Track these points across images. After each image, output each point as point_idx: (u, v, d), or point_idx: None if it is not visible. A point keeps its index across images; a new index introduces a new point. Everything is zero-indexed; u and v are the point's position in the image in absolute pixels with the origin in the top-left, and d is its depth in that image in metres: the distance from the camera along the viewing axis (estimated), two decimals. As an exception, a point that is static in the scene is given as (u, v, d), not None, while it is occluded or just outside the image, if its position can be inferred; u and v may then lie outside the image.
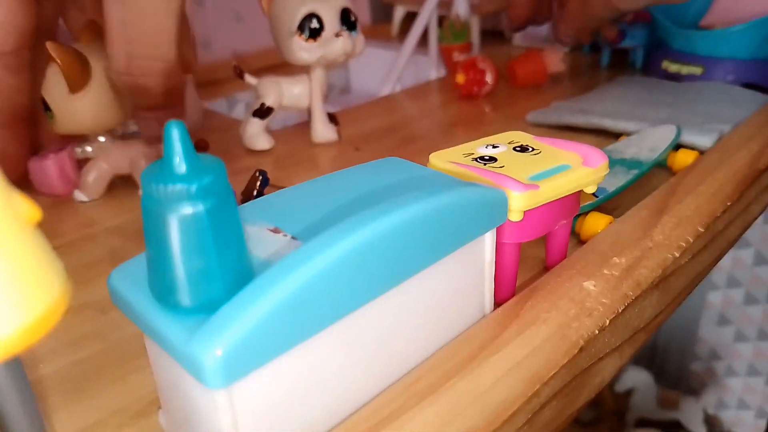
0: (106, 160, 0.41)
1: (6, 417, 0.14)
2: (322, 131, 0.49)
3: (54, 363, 0.26)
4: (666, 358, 1.03)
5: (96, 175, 0.41)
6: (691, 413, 0.92)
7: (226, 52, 0.75)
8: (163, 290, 0.17)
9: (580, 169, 0.26)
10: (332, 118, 0.50)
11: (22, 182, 0.41)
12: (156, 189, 0.16)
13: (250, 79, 0.48)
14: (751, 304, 0.92)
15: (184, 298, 0.17)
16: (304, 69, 0.47)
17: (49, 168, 0.40)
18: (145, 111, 0.36)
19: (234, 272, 0.17)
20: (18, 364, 0.14)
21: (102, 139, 0.41)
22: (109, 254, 0.35)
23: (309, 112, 0.49)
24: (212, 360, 0.16)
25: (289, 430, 0.19)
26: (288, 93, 0.48)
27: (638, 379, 0.96)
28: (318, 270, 0.18)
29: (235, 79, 0.50)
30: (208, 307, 0.17)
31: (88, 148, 0.41)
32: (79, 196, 0.41)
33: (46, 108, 0.38)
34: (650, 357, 1.05)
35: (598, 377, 0.25)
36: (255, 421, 0.18)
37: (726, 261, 0.91)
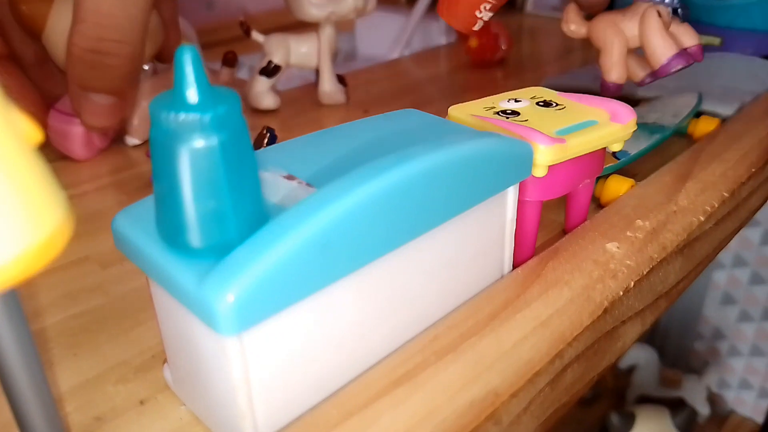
0: (147, 99, 0.40)
1: (1, 353, 0.13)
2: (330, 92, 0.47)
3: (52, 316, 0.25)
4: (669, 336, 1.03)
5: (141, 116, 0.40)
6: (695, 392, 0.91)
7: (230, 12, 0.73)
8: (172, 231, 0.16)
9: (609, 124, 0.25)
10: (341, 79, 0.48)
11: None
12: (166, 118, 0.14)
13: (257, 36, 0.46)
14: (756, 284, 0.91)
15: (195, 239, 0.16)
16: (313, 27, 0.46)
17: (75, 135, 0.38)
18: (95, 92, 0.35)
19: (248, 213, 0.16)
20: (15, 298, 0.13)
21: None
22: (115, 207, 0.34)
23: (317, 72, 0.48)
24: (224, 305, 0.15)
25: (303, 384, 0.18)
26: (296, 51, 0.46)
27: (641, 355, 0.96)
28: (335, 215, 0.17)
29: (239, 41, 0.49)
30: (219, 250, 0.16)
31: None
32: (131, 140, 0.41)
33: None
34: (652, 335, 1.05)
35: (620, 341, 0.24)
36: (266, 373, 0.17)
37: (733, 240, 0.91)
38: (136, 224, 0.18)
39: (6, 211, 0.11)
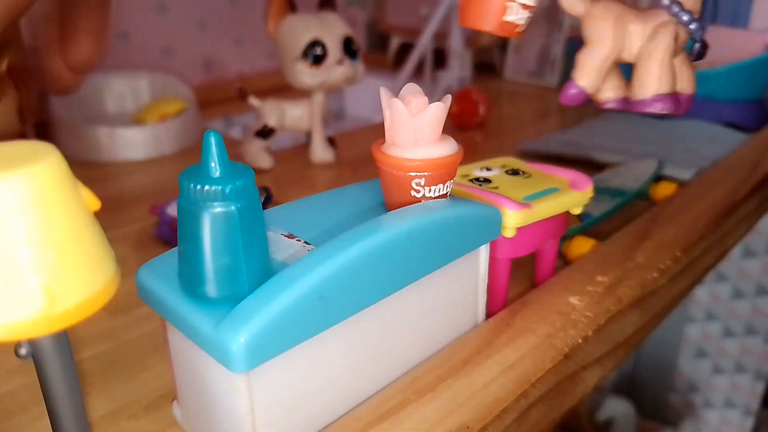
0: None
1: (50, 384, 0.16)
2: (321, 153, 0.51)
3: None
4: (645, 388, 1.05)
5: None
6: (669, 443, 0.93)
7: (226, 74, 0.77)
8: (192, 283, 0.19)
9: (569, 191, 0.28)
10: (331, 140, 0.52)
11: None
12: (193, 189, 0.18)
13: (254, 101, 0.50)
14: (728, 337, 0.94)
15: (212, 290, 0.19)
16: (306, 93, 0.50)
17: None
18: None
19: (257, 269, 0.19)
20: (65, 337, 0.16)
21: None
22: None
23: (308, 134, 0.51)
24: (237, 345, 0.18)
25: (299, 418, 0.21)
26: (290, 115, 0.50)
27: (618, 408, 0.98)
28: (330, 271, 0.20)
29: (233, 101, 0.52)
30: (232, 300, 0.19)
31: None
32: None
33: None
34: (629, 387, 1.07)
35: (581, 385, 0.27)
36: (269, 406, 0.20)
37: (704, 295, 0.94)
38: (156, 277, 0.21)
39: (73, 266, 0.14)
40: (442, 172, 0.24)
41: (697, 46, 0.29)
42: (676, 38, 0.28)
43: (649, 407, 1.05)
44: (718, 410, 0.99)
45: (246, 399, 0.19)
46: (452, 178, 0.25)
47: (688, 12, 0.28)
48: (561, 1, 0.29)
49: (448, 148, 0.24)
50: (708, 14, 0.77)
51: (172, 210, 0.38)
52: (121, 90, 0.62)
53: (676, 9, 0.28)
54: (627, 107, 0.30)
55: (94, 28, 0.37)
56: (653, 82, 0.28)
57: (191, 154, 0.55)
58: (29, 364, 0.16)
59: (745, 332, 0.93)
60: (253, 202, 0.18)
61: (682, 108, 0.29)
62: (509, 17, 0.25)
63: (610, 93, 0.30)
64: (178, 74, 0.63)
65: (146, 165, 0.52)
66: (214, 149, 0.18)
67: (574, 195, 0.28)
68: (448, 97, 0.24)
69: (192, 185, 0.18)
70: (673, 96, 0.29)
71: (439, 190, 0.24)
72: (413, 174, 0.23)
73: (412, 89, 0.24)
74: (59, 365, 0.16)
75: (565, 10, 0.29)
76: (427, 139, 0.23)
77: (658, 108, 0.29)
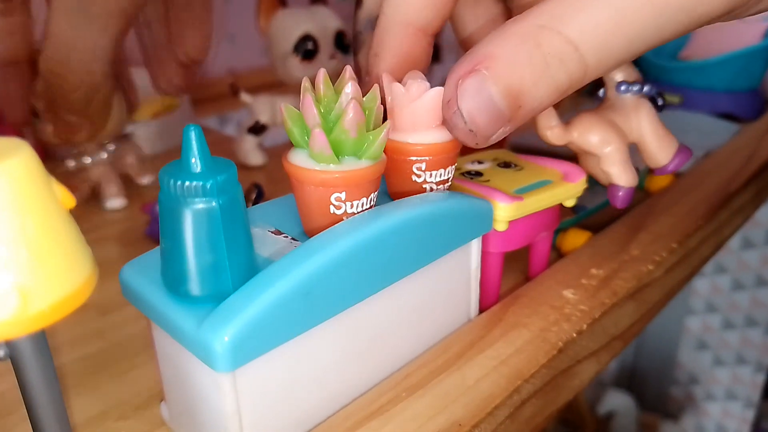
0: (115, 165, 0.43)
1: (29, 386, 0.16)
2: (315, 149, 0.50)
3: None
4: (646, 382, 1.05)
5: (115, 181, 0.43)
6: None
7: (218, 71, 0.77)
8: (174, 281, 0.19)
9: (561, 183, 0.28)
10: (324, 136, 0.51)
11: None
12: (174, 185, 0.17)
13: (245, 97, 0.50)
14: (728, 329, 0.94)
15: (195, 288, 0.18)
16: (298, 88, 0.49)
17: None
18: (65, 111, 0.36)
19: (241, 266, 0.19)
20: (44, 337, 0.15)
21: (111, 146, 0.43)
22: (110, 258, 0.36)
23: (302, 130, 0.51)
24: (220, 344, 0.17)
25: (287, 417, 0.20)
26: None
27: (619, 402, 0.98)
28: (317, 267, 0.19)
29: (227, 98, 0.52)
30: (216, 298, 0.18)
31: (87, 160, 0.42)
32: (113, 203, 0.42)
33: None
34: (630, 381, 1.07)
35: (576, 379, 0.27)
36: (256, 406, 0.19)
37: (704, 287, 0.94)
38: (140, 275, 0.20)
39: (48, 264, 0.14)
40: (443, 156, 0.24)
41: (660, 100, 0.32)
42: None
43: (651, 400, 1.05)
44: (720, 402, 0.98)
45: (232, 399, 0.18)
46: (454, 164, 0.24)
47: (635, 82, 0.31)
48: (545, 137, 0.30)
49: (449, 132, 0.23)
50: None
51: (162, 208, 0.37)
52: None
53: (628, 87, 0.31)
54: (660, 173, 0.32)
55: (200, 21, 0.40)
56: (662, 153, 0.31)
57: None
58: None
59: (746, 324, 0.93)
60: (235, 197, 0.18)
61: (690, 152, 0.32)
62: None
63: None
64: (170, 72, 0.63)
65: (138, 163, 0.52)
66: (194, 144, 0.17)
67: (567, 187, 0.28)
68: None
69: (172, 181, 0.17)
70: (681, 147, 0.32)
71: (440, 175, 0.24)
72: (414, 159, 0.23)
73: (413, 75, 0.24)
74: (37, 366, 0.16)
75: (553, 143, 0.30)
76: (427, 124, 0.23)
77: (681, 166, 0.32)
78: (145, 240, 0.38)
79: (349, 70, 0.22)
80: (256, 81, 0.67)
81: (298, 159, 0.21)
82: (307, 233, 0.22)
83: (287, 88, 0.49)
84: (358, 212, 0.21)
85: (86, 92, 0.36)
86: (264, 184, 0.41)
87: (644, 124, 0.31)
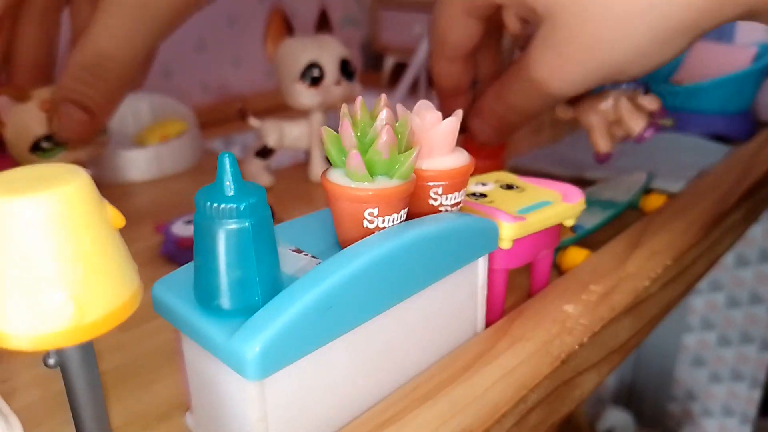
0: None
1: (76, 393, 0.17)
2: (320, 171, 0.52)
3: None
4: (644, 398, 1.06)
5: None
6: (669, 452, 0.94)
7: (225, 94, 0.78)
8: (207, 295, 0.20)
9: (561, 204, 0.29)
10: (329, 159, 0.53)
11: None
12: (209, 207, 0.19)
13: (253, 121, 0.51)
14: (724, 346, 0.95)
15: (226, 302, 0.20)
16: (304, 113, 0.51)
17: None
18: (75, 106, 0.37)
19: (269, 281, 0.20)
20: (91, 348, 0.17)
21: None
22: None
23: (307, 152, 0.53)
24: (251, 354, 0.19)
25: (307, 425, 0.22)
26: (289, 134, 0.51)
27: (618, 419, 0.99)
28: (336, 284, 0.21)
29: (232, 121, 0.53)
30: (246, 311, 0.20)
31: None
32: None
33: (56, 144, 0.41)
34: (628, 397, 1.08)
35: (578, 390, 0.28)
36: (281, 414, 0.21)
37: (700, 304, 0.95)
38: (171, 291, 0.22)
39: (100, 280, 0.15)
40: (457, 180, 0.25)
41: (642, 89, 0.41)
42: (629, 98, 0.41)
43: (649, 416, 1.06)
44: (717, 418, 0.99)
45: (259, 406, 0.20)
46: (465, 187, 0.26)
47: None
48: (557, 110, 0.42)
49: (462, 158, 0.26)
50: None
51: (177, 228, 0.39)
52: (122, 112, 0.63)
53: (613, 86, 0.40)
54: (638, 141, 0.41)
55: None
56: (634, 125, 0.40)
57: (193, 174, 0.56)
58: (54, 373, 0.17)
59: (741, 340, 0.94)
60: (265, 218, 0.19)
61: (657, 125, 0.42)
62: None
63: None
64: (178, 95, 0.65)
65: (148, 185, 0.53)
66: (228, 169, 0.19)
67: (566, 207, 0.29)
68: (460, 112, 0.25)
69: (208, 203, 0.19)
70: (650, 121, 0.41)
71: (455, 198, 0.26)
72: (431, 183, 0.25)
73: (424, 105, 0.26)
74: (85, 374, 0.17)
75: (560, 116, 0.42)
76: (442, 151, 0.25)
77: (650, 133, 0.41)
78: (160, 260, 0.39)
79: (384, 98, 0.24)
80: (264, 104, 0.69)
81: (335, 177, 0.23)
82: (341, 244, 0.24)
83: (293, 111, 0.50)
84: (388, 226, 0.23)
85: (114, 91, 0.37)
86: (272, 204, 0.43)
87: (620, 107, 0.40)
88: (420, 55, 0.72)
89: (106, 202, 0.16)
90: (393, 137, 0.22)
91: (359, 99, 0.24)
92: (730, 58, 0.68)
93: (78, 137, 0.40)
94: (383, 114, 0.23)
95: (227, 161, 0.19)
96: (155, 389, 0.27)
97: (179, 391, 0.27)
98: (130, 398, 0.27)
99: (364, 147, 0.23)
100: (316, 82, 0.48)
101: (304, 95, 0.48)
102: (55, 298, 0.15)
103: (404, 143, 0.23)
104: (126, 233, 0.43)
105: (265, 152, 0.51)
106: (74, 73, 0.36)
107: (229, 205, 0.19)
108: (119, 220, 0.16)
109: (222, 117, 0.72)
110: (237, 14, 0.77)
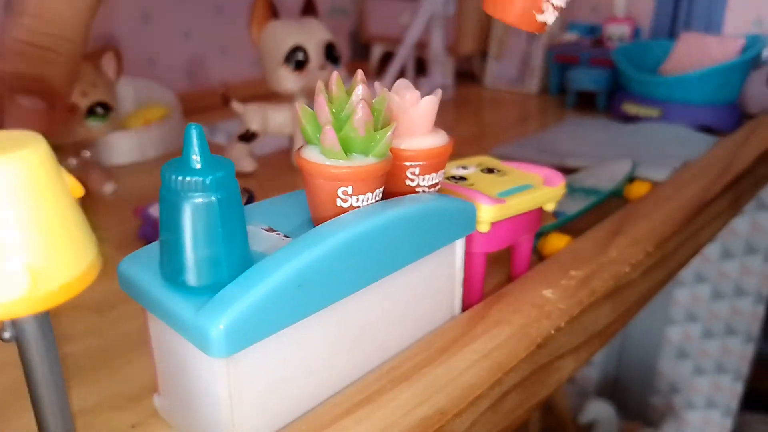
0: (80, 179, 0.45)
1: (33, 367, 0.17)
2: (304, 156, 0.51)
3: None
4: (627, 390, 1.06)
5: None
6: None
7: (210, 81, 0.78)
8: (173, 272, 0.19)
9: (542, 188, 0.29)
10: (313, 144, 0.53)
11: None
12: (174, 180, 0.18)
13: (236, 106, 0.51)
14: (708, 338, 0.96)
15: (192, 278, 0.19)
16: (288, 98, 0.50)
17: None
18: (27, 95, 0.33)
19: (237, 258, 0.20)
20: (48, 320, 0.16)
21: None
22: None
23: (291, 138, 0.52)
24: (216, 331, 0.18)
25: (278, 404, 0.21)
26: (273, 120, 0.50)
27: (601, 411, 0.99)
28: (308, 261, 0.20)
29: (216, 108, 0.52)
30: (213, 288, 0.19)
31: (73, 161, 0.44)
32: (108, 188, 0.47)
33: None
34: (612, 390, 1.08)
35: (556, 374, 0.28)
36: (249, 392, 0.20)
37: (684, 296, 0.95)
38: (138, 268, 0.21)
39: (57, 248, 0.15)
40: (435, 161, 0.25)
41: None
42: None
43: (632, 409, 1.06)
44: (700, 411, 1.00)
45: (225, 384, 0.19)
46: (443, 168, 0.26)
47: None
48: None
49: (440, 139, 0.25)
50: (682, 20, 0.79)
51: (154, 211, 0.38)
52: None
53: None
54: None
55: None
56: None
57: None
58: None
59: (725, 333, 0.95)
60: (232, 193, 0.19)
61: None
62: (541, 17, 0.25)
63: None
64: (162, 82, 0.64)
65: (130, 169, 0.53)
66: (195, 142, 0.18)
67: (546, 191, 0.29)
68: (439, 91, 0.25)
69: (174, 176, 0.18)
70: None
71: (432, 179, 0.25)
72: (408, 164, 0.25)
73: (403, 84, 0.25)
74: (42, 347, 0.16)
75: None
76: (421, 131, 0.24)
77: None
78: (138, 242, 0.39)
79: (360, 74, 0.23)
80: (247, 92, 0.68)
81: (309, 154, 0.23)
82: (314, 222, 0.24)
83: (277, 98, 0.50)
84: (363, 206, 0.23)
85: (65, 66, 0.33)
86: (255, 190, 0.42)
87: None
88: (407, 45, 0.72)
89: (64, 171, 0.16)
90: (368, 113, 0.22)
91: (335, 74, 0.23)
92: (717, 50, 0.68)
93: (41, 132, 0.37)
94: (359, 90, 0.22)
95: (194, 133, 0.18)
96: (126, 372, 0.27)
97: (150, 374, 0.26)
98: (101, 380, 0.26)
99: (340, 124, 0.22)
100: (300, 66, 0.48)
101: (289, 80, 0.48)
102: (10, 267, 0.14)
103: (381, 120, 0.23)
104: (107, 216, 0.43)
105: (248, 136, 0.50)
106: (20, 52, 0.33)
107: (195, 178, 0.18)
108: (78, 189, 0.16)
109: (207, 104, 0.71)
110: (223, 2, 0.76)
